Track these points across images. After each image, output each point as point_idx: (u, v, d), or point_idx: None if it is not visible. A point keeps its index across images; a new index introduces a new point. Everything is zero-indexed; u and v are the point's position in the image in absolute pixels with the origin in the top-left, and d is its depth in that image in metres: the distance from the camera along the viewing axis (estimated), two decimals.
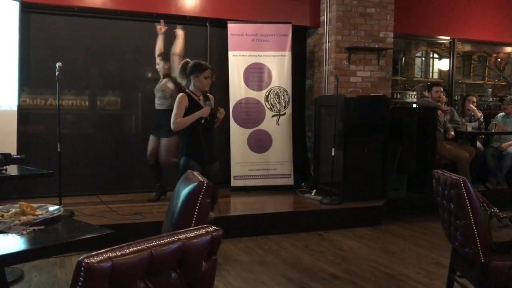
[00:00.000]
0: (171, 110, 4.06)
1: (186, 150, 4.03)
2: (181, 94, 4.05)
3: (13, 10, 5.13)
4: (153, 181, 5.58)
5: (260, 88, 6.41)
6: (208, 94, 4.20)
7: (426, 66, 8.90)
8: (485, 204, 2.82)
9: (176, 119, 3.98)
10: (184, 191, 2.16)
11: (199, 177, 2.22)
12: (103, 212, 4.86)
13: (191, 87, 4.10)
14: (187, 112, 3.99)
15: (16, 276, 3.65)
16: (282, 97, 6.45)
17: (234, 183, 6.25)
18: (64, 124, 5.12)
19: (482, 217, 2.72)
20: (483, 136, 7.14)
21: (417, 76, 8.67)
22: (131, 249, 1.20)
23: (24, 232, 2.12)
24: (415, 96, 8.14)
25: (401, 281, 3.84)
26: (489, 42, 8.42)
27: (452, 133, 6.50)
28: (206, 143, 4.02)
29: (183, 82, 4.17)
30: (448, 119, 6.63)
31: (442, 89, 6.55)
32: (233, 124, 6.30)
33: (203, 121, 4.00)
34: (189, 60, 4.19)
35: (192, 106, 4.01)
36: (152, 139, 5.46)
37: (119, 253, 1.17)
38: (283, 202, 5.98)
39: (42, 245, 2.05)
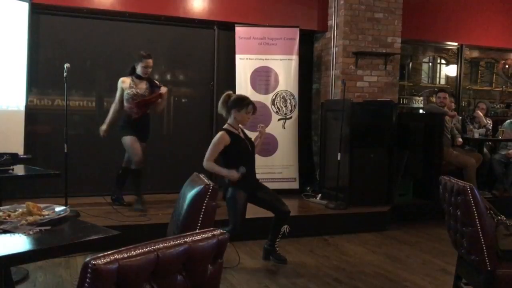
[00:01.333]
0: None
1: (232, 181, 4.03)
2: (222, 132, 4.05)
3: (23, 11, 5.17)
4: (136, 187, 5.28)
5: (266, 92, 6.41)
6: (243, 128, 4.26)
7: (433, 71, 8.87)
8: (492, 212, 2.80)
9: (208, 159, 4.01)
10: (190, 194, 2.16)
11: (205, 180, 2.23)
12: (109, 213, 4.88)
13: (230, 121, 4.12)
14: (229, 148, 4.01)
15: (21, 276, 3.67)
16: (289, 101, 6.45)
17: None
18: (71, 124, 5.14)
19: (489, 225, 2.71)
20: (490, 143, 7.10)
21: (424, 82, 8.64)
22: (138, 251, 1.20)
23: (31, 232, 2.13)
24: (422, 102, 8.12)
25: (406, 287, 3.82)
26: (497, 48, 8.38)
27: (460, 139, 6.47)
28: (249, 172, 4.08)
29: (224, 114, 4.18)
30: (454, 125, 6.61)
31: (447, 95, 6.53)
32: None
33: (249, 148, 4.13)
34: (231, 92, 4.24)
35: (234, 141, 4.04)
36: (138, 142, 5.08)
37: (126, 255, 1.17)
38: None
39: (48, 245, 2.05)
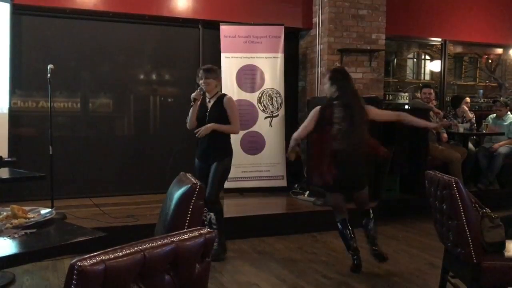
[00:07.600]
0: None
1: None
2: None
3: (4, 12, 5.09)
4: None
5: (252, 90, 6.41)
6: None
7: (418, 67, 8.96)
8: (477, 205, 2.83)
9: None
10: (177, 193, 2.15)
11: (192, 179, 2.22)
12: (96, 215, 4.84)
13: None
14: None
15: (8, 280, 3.63)
16: (275, 99, 6.46)
17: (227, 185, 6.21)
18: (56, 126, 5.09)
19: (474, 218, 2.74)
20: (475, 137, 7.18)
21: (409, 78, 8.72)
22: (124, 252, 1.20)
23: (16, 236, 2.11)
24: (407, 98, 8.19)
25: (394, 282, 3.85)
26: (480, 43, 8.48)
27: (445, 135, 6.53)
28: (202, 139, 4.31)
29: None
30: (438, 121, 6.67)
31: (432, 91, 6.59)
32: None
33: (205, 114, 4.32)
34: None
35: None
36: None
37: (112, 256, 1.17)
38: (276, 204, 5.98)
39: (34, 248, 2.03)
